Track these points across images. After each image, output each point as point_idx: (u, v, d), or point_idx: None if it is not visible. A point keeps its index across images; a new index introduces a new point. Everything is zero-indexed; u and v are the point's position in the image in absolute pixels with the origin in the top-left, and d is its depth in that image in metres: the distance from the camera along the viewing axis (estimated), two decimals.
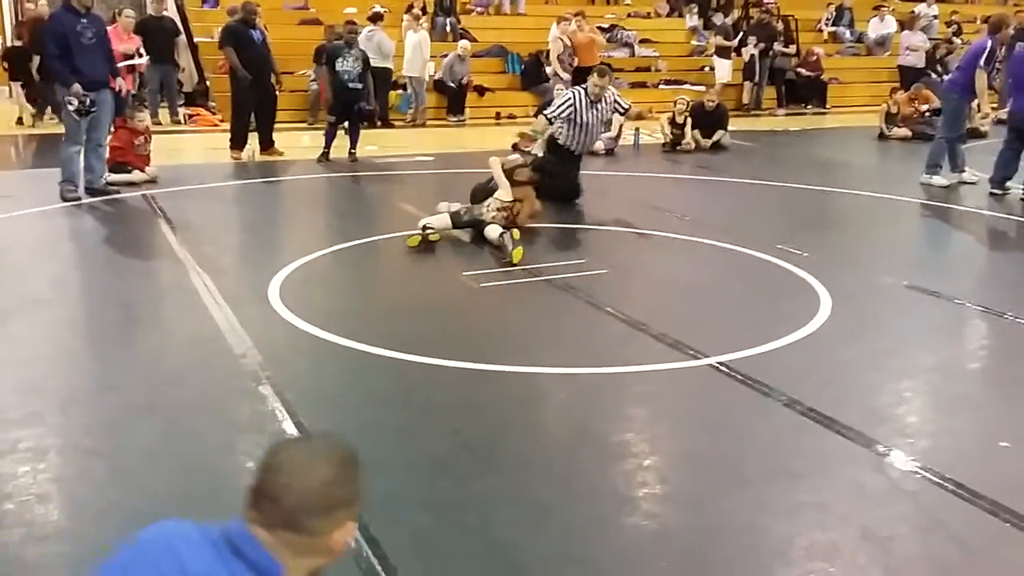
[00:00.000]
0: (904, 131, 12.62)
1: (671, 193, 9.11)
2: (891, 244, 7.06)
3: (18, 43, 13.29)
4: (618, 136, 11.36)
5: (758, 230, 6.87)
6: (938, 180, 8.99)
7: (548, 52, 14.48)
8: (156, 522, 1.52)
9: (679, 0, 18.67)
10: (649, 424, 3.70)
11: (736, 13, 17.66)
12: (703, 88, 13.44)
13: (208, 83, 13.75)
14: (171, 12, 13.52)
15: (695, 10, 17.89)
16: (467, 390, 3.93)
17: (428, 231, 6.28)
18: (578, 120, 7.84)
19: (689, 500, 3.05)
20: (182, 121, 13.13)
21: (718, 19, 17.47)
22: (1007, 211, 7.94)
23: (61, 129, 7.98)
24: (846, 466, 3.25)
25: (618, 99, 8.17)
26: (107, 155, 8.18)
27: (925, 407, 3.91)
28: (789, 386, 3.84)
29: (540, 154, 10.22)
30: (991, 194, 8.47)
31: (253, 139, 10.29)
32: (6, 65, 13.14)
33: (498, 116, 14.46)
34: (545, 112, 8.04)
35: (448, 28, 15.28)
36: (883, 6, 18.74)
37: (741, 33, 16.31)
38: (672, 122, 11.51)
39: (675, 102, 11.74)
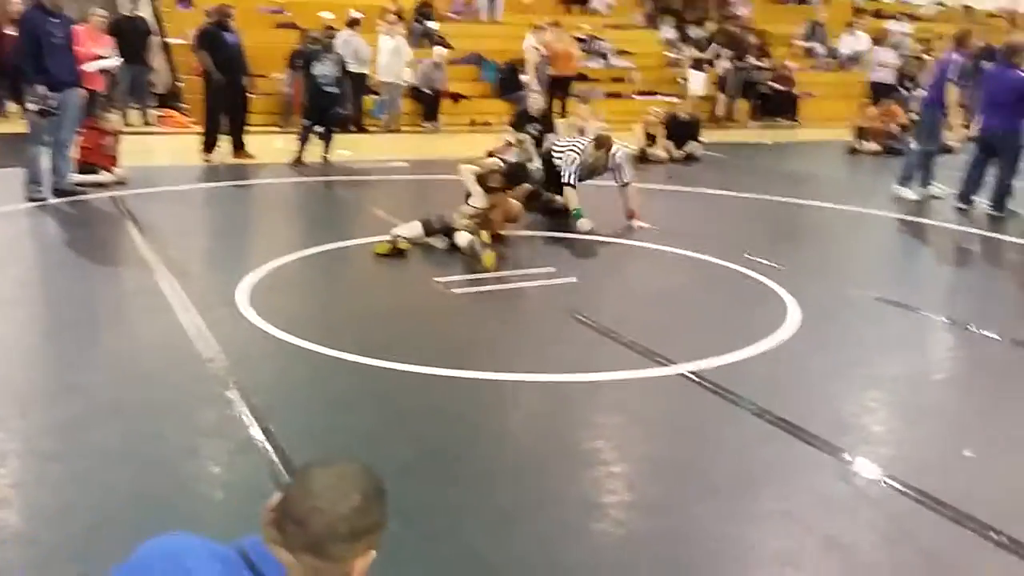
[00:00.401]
0: (874, 145, 12.79)
1: (642, 203, 9.14)
2: (860, 257, 7.14)
3: None
4: None
5: (728, 241, 6.91)
6: (907, 193, 9.12)
7: (524, 61, 14.51)
8: (156, 536, 1.48)
9: (655, 12, 18.81)
10: (618, 431, 3.70)
11: (711, 26, 17.81)
12: (677, 99, 13.52)
13: (180, 84, 13.62)
14: (145, 13, 13.38)
15: (671, 22, 18.02)
16: (436, 396, 3.91)
17: (398, 238, 6.23)
18: (582, 173, 7.52)
19: (657, 507, 3.05)
20: (152, 122, 12.99)
21: (693, 31, 17.60)
22: (973, 226, 8.06)
23: (25, 128, 7.86)
24: (812, 474, 3.27)
25: (623, 164, 7.53)
26: (74, 155, 8.08)
27: (890, 417, 3.95)
28: (757, 395, 3.86)
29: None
30: (958, 209, 8.59)
31: (225, 142, 10.21)
32: None
33: (473, 123, 14.45)
34: (564, 179, 7.42)
35: (425, 34, 15.26)
36: (856, 22, 19.00)
37: (714, 46, 16.45)
38: (645, 133, 11.57)
39: (648, 112, 11.81)
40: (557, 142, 8.18)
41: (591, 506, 3.01)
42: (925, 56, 17.74)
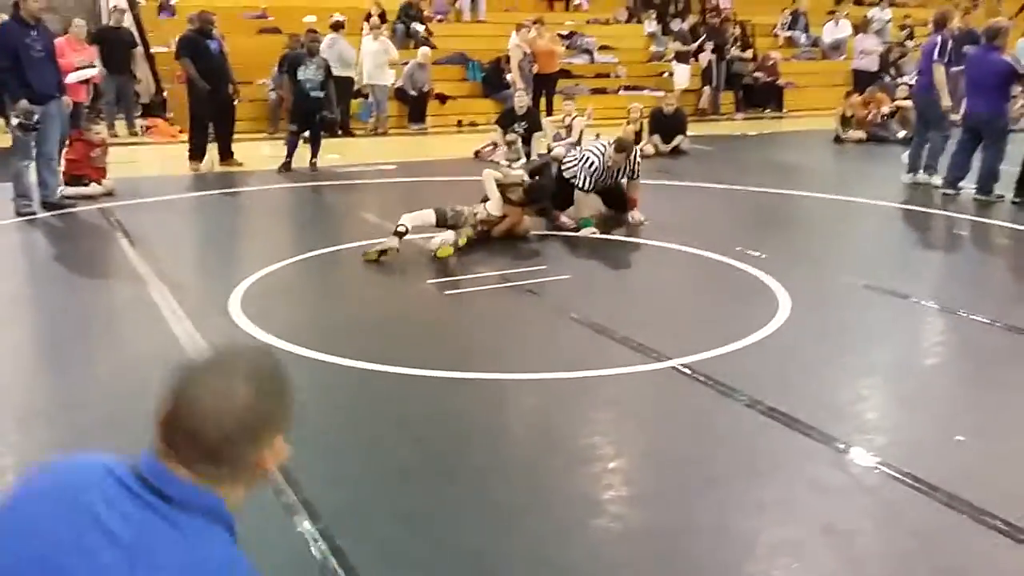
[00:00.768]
0: (859, 134, 12.85)
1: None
2: (848, 245, 7.18)
3: None
4: (578, 143, 11.43)
5: (717, 233, 6.95)
6: (936, 180, 8.97)
7: (508, 59, 14.53)
8: (32, 468, 1.28)
9: (638, 6, 18.85)
10: (614, 427, 3.72)
11: (693, 18, 17.86)
12: (662, 94, 13.56)
13: (165, 94, 13.59)
14: (127, 23, 13.34)
15: (653, 16, 18.07)
16: (432, 398, 3.93)
17: (400, 228, 6.16)
18: (598, 177, 7.22)
19: (655, 501, 3.08)
20: (139, 132, 12.96)
21: (676, 25, 17.65)
22: (960, 211, 8.12)
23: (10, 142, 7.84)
24: (807, 463, 3.30)
25: (639, 160, 7.54)
26: (61, 168, 8.06)
27: (883, 404, 3.99)
28: (750, 386, 3.89)
29: (506, 163, 10.27)
30: (944, 194, 8.65)
31: (212, 150, 10.19)
32: None
33: (459, 124, 14.47)
34: (577, 185, 7.17)
35: (408, 35, 15.26)
36: (837, 10, 19.07)
37: (698, 38, 16.50)
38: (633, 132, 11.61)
39: (629, 111, 11.83)
40: (573, 151, 8.08)
41: (590, 502, 3.03)
42: (908, 42, 17.84)
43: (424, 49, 14.37)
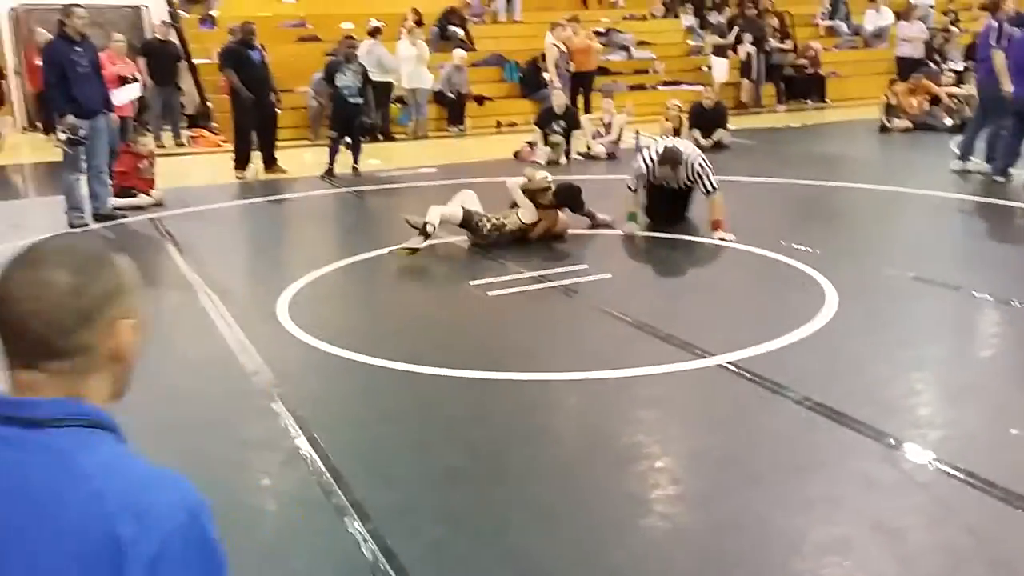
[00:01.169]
0: (905, 122, 12.62)
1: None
2: (895, 236, 7.06)
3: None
4: (619, 140, 11.39)
5: (761, 227, 6.88)
6: (983, 166, 8.79)
7: (544, 58, 14.52)
8: None
9: (674, 0, 18.71)
10: (659, 425, 3.71)
11: (730, 11, 17.68)
12: (702, 88, 13.45)
13: (209, 104, 13.83)
14: (172, 35, 13.61)
15: (690, 10, 17.92)
16: (478, 399, 3.96)
17: (428, 228, 6.27)
18: (645, 183, 6.95)
19: (702, 499, 3.07)
20: (185, 143, 13.21)
21: (713, 18, 17.49)
22: (1010, 198, 7.93)
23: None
24: (857, 459, 3.26)
25: (701, 174, 6.71)
26: (111, 180, 8.25)
27: (935, 398, 3.92)
28: (798, 382, 3.85)
29: (543, 163, 10.26)
30: (994, 181, 8.45)
31: (256, 158, 10.36)
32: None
33: (499, 124, 14.50)
34: (628, 185, 6.94)
35: (444, 38, 15.34)
36: None
37: (735, 30, 16.33)
38: (672, 128, 11.53)
39: (667, 108, 11.75)
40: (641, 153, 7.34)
41: (636, 501, 3.03)
42: (952, 28, 17.46)
43: (459, 51, 14.43)
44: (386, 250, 6.65)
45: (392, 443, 3.54)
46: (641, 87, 15.88)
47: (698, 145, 11.32)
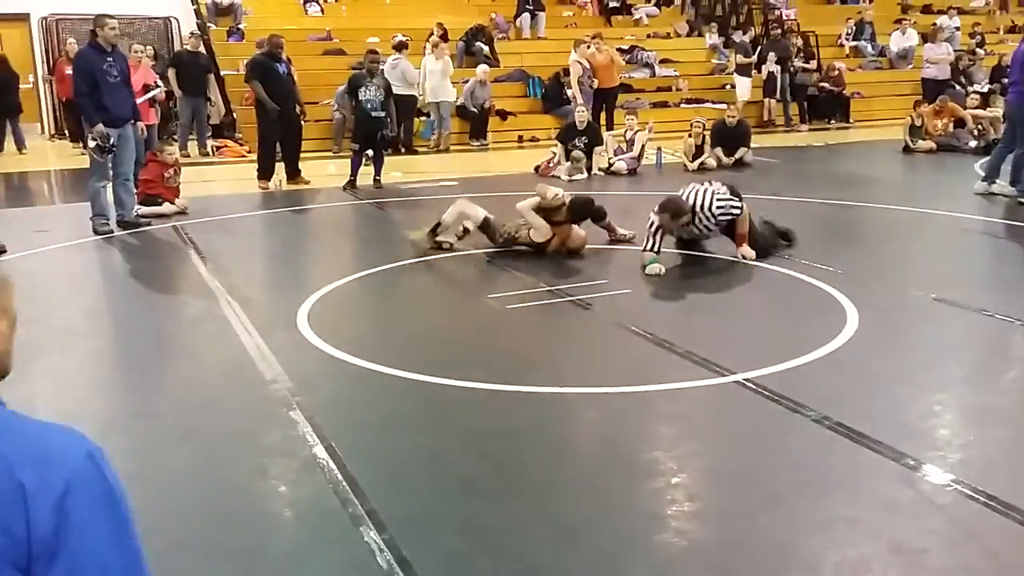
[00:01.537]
0: (929, 144, 12.55)
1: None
2: (917, 257, 7.01)
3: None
4: (640, 156, 11.41)
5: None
6: (1008, 189, 8.70)
7: (567, 72, 14.56)
8: None
9: (698, 19, 18.75)
10: (678, 442, 3.70)
11: (754, 30, 17.70)
12: (725, 106, 13.45)
13: (235, 115, 13.99)
14: (201, 47, 13.78)
15: (715, 28, 17.95)
16: (496, 412, 3.96)
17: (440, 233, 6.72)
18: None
19: (719, 517, 3.05)
20: (210, 153, 13.35)
21: (737, 37, 17.52)
22: None
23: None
24: (877, 480, 3.23)
25: (723, 216, 6.31)
26: (137, 188, 8.36)
27: (955, 420, 3.88)
28: (817, 401, 3.83)
29: (566, 178, 10.28)
30: (1019, 203, 8.38)
31: (280, 169, 10.45)
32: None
33: (521, 139, 14.56)
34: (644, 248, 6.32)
35: (469, 53, 15.44)
36: (904, 19, 18.70)
37: (759, 50, 16.34)
38: (693, 145, 11.55)
39: (691, 124, 11.77)
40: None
41: (653, 518, 3.02)
42: (978, 50, 17.39)
43: (483, 66, 14.52)
44: (406, 262, 6.69)
45: (409, 453, 3.54)
46: (664, 104, 15.91)
47: (720, 163, 11.40)
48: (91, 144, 7.68)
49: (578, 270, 6.43)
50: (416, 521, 2.98)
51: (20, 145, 14.02)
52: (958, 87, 15.54)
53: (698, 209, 6.27)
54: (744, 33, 17.30)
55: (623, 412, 3.94)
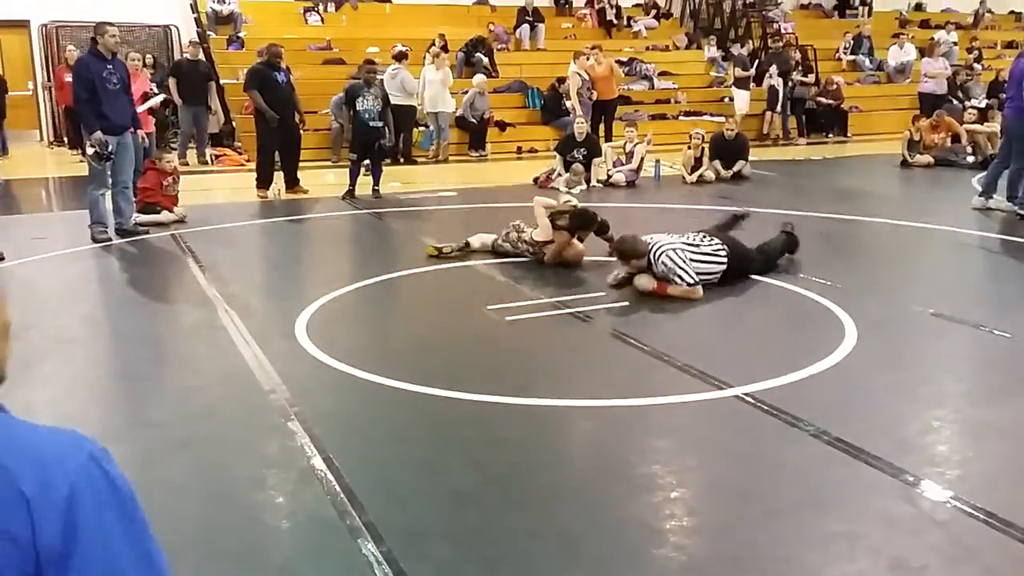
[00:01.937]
0: (927, 158, 12.59)
1: (692, 224, 9.10)
2: (916, 272, 7.03)
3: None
4: (639, 168, 11.43)
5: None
6: (1004, 205, 8.73)
7: (566, 84, 14.61)
8: None
9: (697, 32, 18.82)
10: (675, 455, 3.69)
11: (752, 43, 17.76)
12: (723, 119, 13.48)
13: (234, 124, 14.00)
14: (202, 55, 13.80)
15: (713, 41, 18.02)
16: (492, 423, 3.96)
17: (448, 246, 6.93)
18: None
19: (717, 531, 3.04)
20: (209, 162, 13.36)
21: (736, 50, 17.59)
22: None
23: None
24: (875, 496, 3.23)
25: (668, 269, 5.81)
26: (135, 196, 8.35)
27: (954, 436, 3.88)
28: (816, 416, 3.83)
29: (565, 190, 10.30)
30: (1019, 216, 8.40)
31: (279, 178, 10.45)
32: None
33: (519, 150, 14.58)
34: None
35: (468, 64, 15.48)
36: (902, 34, 18.78)
37: (757, 63, 16.40)
38: (692, 157, 11.58)
39: (689, 136, 11.80)
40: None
41: (651, 531, 3.01)
42: (976, 65, 17.47)
43: (480, 77, 14.55)
44: (404, 272, 6.69)
45: (406, 465, 3.53)
46: (663, 116, 15.95)
47: (718, 176, 11.42)
48: (90, 151, 7.68)
49: (577, 283, 6.43)
50: (414, 533, 2.98)
51: (2, 150, 14.21)
52: (955, 102, 15.61)
53: (652, 258, 5.86)
54: (742, 46, 17.37)
55: (621, 425, 3.94)
